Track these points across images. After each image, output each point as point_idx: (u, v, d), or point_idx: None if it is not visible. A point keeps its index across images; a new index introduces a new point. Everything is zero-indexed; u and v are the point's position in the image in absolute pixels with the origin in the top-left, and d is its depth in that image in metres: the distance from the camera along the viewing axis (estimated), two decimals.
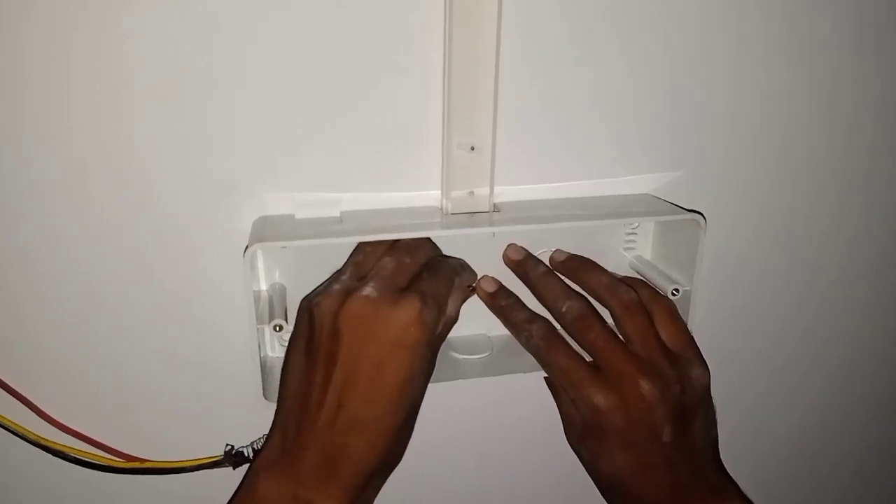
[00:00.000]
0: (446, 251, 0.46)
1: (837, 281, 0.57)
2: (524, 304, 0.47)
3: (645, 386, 0.42)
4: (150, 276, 0.45)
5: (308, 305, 0.40)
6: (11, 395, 0.45)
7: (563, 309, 0.44)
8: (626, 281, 0.46)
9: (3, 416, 0.45)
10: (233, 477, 0.47)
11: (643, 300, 0.45)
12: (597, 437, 0.44)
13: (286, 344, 0.42)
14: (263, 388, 0.43)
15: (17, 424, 0.45)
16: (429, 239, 0.44)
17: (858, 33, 0.49)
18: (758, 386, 0.60)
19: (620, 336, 0.44)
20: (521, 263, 0.47)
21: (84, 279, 0.44)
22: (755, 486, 0.65)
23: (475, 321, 0.49)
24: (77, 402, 0.47)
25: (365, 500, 0.40)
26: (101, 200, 0.42)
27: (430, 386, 0.42)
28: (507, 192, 0.47)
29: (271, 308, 0.43)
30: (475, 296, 0.47)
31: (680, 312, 0.47)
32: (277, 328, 0.42)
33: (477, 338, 0.50)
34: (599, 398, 0.42)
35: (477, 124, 0.43)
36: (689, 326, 0.47)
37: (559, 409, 0.48)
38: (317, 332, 0.39)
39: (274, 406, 0.42)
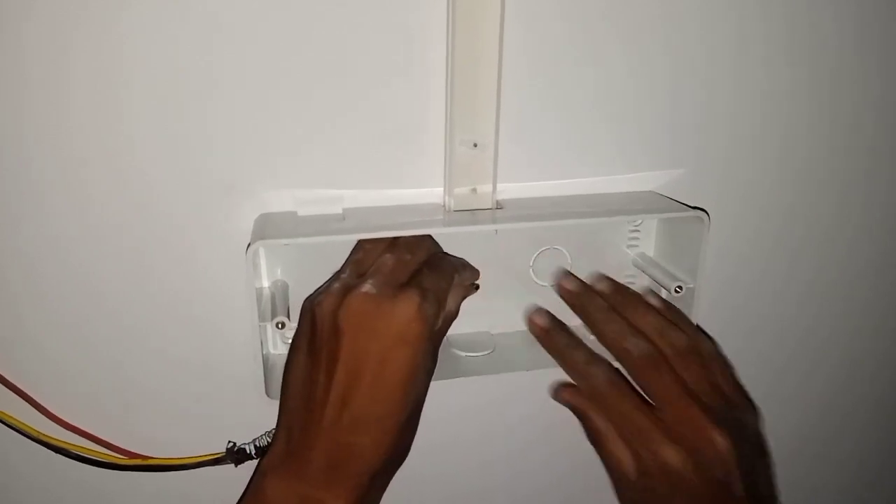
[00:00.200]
0: (449, 248, 0.46)
1: (838, 280, 0.57)
2: (581, 341, 0.45)
3: (719, 440, 0.40)
4: (151, 274, 0.45)
5: (310, 305, 0.41)
6: (14, 392, 0.44)
7: (630, 347, 0.42)
8: (669, 318, 0.44)
9: (5, 413, 0.45)
10: (235, 474, 0.47)
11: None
12: (662, 494, 0.41)
13: (288, 341, 0.42)
14: (266, 386, 0.43)
15: (19, 421, 0.45)
16: (429, 236, 0.44)
17: (858, 33, 0.49)
18: (758, 385, 0.60)
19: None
20: (578, 296, 0.46)
21: (85, 278, 0.44)
22: None
23: (477, 318, 0.49)
24: (79, 400, 0.46)
25: (372, 499, 0.40)
26: (102, 200, 0.42)
27: (431, 384, 0.42)
28: (509, 190, 0.47)
29: (273, 305, 0.43)
30: (476, 293, 0.47)
31: (683, 310, 0.47)
32: (279, 325, 0.42)
33: (479, 335, 0.50)
34: (671, 454, 0.40)
35: (479, 121, 0.43)
36: (694, 324, 0.47)
37: (605, 458, 0.44)
38: (318, 331, 0.39)
39: (276, 403, 0.42)
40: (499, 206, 0.46)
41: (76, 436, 0.46)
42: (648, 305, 0.45)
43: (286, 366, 0.41)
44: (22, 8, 0.38)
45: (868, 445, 0.67)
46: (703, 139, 0.49)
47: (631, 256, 0.50)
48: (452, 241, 0.46)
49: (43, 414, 0.45)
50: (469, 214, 0.45)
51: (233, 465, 0.48)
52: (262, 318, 0.42)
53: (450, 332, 0.45)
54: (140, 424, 0.48)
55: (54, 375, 0.46)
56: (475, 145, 0.43)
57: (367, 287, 0.39)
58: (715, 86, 0.48)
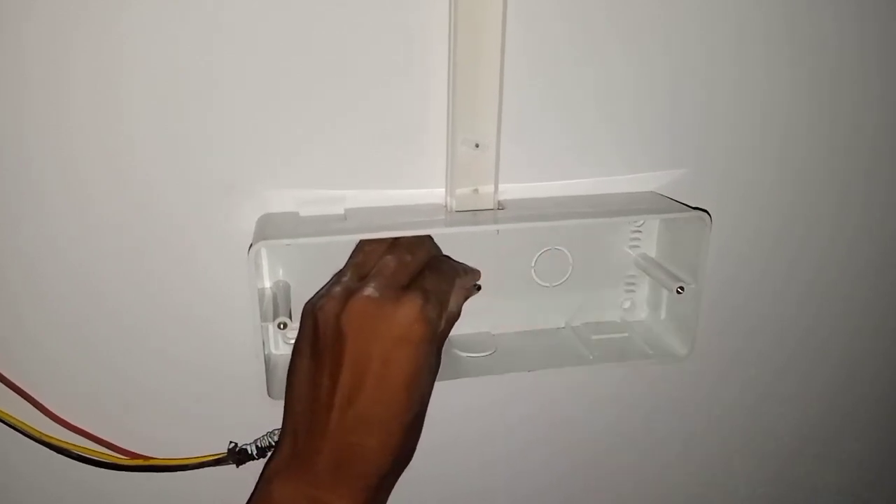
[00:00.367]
0: (450, 249, 0.46)
1: (839, 280, 0.57)
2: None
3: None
4: (152, 274, 0.45)
5: (311, 309, 0.40)
6: (16, 392, 0.44)
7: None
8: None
9: (6, 414, 0.44)
10: (236, 475, 0.47)
11: None
12: None
13: (290, 341, 0.42)
14: (267, 386, 0.43)
15: (20, 422, 0.45)
16: (429, 237, 0.44)
17: (858, 33, 0.49)
18: (758, 385, 0.60)
19: None
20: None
21: (85, 278, 0.44)
22: (756, 485, 0.66)
23: (479, 319, 0.49)
24: (80, 400, 0.46)
25: (380, 500, 0.40)
26: (103, 200, 0.42)
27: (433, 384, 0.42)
28: (511, 190, 0.47)
29: (275, 306, 0.43)
30: (478, 294, 0.47)
31: (686, 311, 0.47)
32: (281, 326, 0.42)
33: (481, 336, 0.50)
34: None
35: (481, 122, 0.43)
36: (697, 325, 0.47)
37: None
38: (321, 334, 0.39)
39: (278, 403, 0.42)
40: (500, 206, 0.46)
41: (77, 436, 0.46)
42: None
43: (289, 370, 0.41)
44: (22, 8, 0.37)
45: (868, 445, 0.67)
46: (704, 139, 0.49)
47: (632, 257, 0.50)
48: (454, 241, 0.46)
49: (44, 414, 0.45)
50: (471, 215, 0.44)
51: (234, 465, 0.48)
52: (263, 319, 0.42)
53: (451, 332, 0.45)
54: (141, 425, 0.48)
55: (55, 375, 0.46)
56: (477, 146, 0.43)
57: (369, 290, 0.39)
58: (715, 86, 0.48)
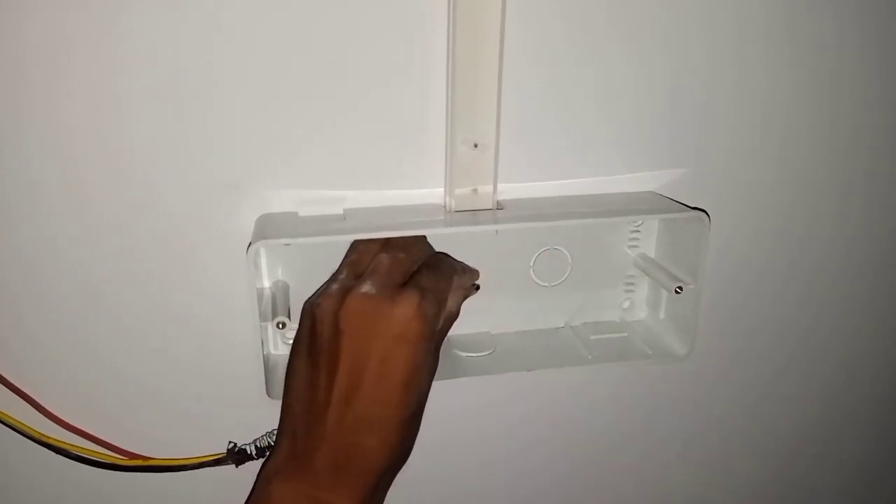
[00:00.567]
0: (449, 249, 0.46)
1: (838, 279, 0.57)
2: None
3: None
4: (152, 274, 0.45)
5: (309, 308, 0.41)
6: (14, 392, 0.44)
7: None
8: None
9: (5, 414, 0.45)
10: (235, 475, 0.47)
11: None
12: None
13: (289, 342, 0.42)
14: (266, 386, 0.43)
15: (19, 422, 0.45)
16: (423, 236, 0.44)
17: (858, 33, 0.49)
18: (758, 385, 0.60)
19: None
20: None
21: (85, 278, 0.44)
22: (756, 485, 0.66)
23: (478, 319, 0.49)
24: (80, 400, 0.46)
25: (378, 499, 0.40)
26: (103, 200, 0.42)
27: (433, 384, 0.42)
28: (510, 190, 0.47)
29: (274, 305, 0.43)
30: (477, 293, 0.47)
31: (686, 311, 0.47)
32: (280, 325, 0.42)
33: (480, 336, 0.50)
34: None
35: (480, 122, 0.43)
36: (696, 325, 0.47)
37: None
38: (318, 333, 0.39)
39: (277, 403, 0.42)
40: (499, 206, 0.46)
41: (76, 436, 0.46)
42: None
43: (287, 370, 0.41)
44: (22, 8, 0.37)
45: (868, 445, 0.67)
46: (704, 139, 0.49)
47: (632, 257, 0.50)
48: (453, 241, 0.46)
49: (43, 414, 0.45)
50: (470, 215, 0.44)
51: (233, 465, 0.48)
52: (262, 319, 0.42)
53: (450, 332, 0.45)
54: (140, 425, 0.48)
55: (55, 376, 0.46)
56: (476, 146, 0.43)
57: (366, 287, 0.39)
58: (715, 86, 0.48)
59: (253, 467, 0.45)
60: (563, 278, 0.50)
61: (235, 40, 0.40)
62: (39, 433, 0.45)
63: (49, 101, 0.39)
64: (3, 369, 0.44)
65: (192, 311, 0.46)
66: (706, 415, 0.60)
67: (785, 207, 0.53)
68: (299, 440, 0.40)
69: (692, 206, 0.47)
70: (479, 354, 0.48)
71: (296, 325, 0.42)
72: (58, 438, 0.46)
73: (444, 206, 0.46)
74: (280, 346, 0.47)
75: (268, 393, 0.43)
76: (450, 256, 0.46)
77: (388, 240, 0.42)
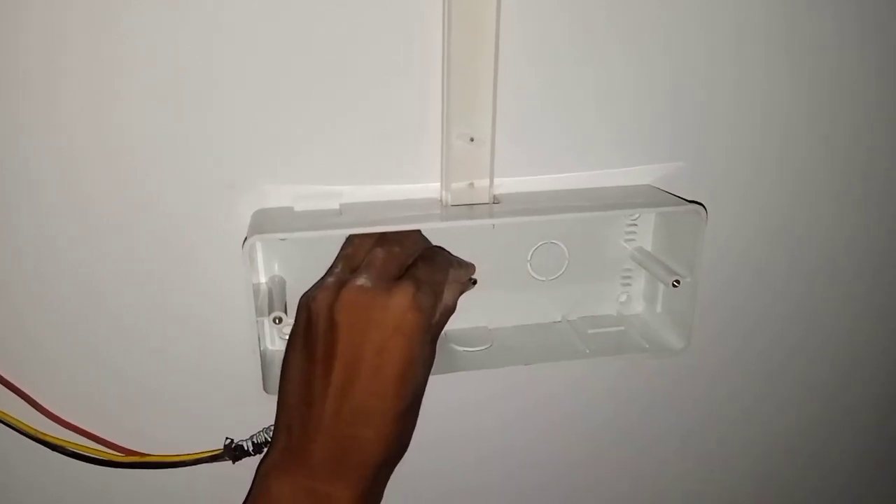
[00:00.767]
0: (446, 243, 0.46)
1: (837, 275, 0.57)
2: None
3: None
4: (148, 271, 0.44)
5: (305, 302, 0.41)
6: (10, 389, 0.44)
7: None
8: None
9: (3, 412, 0.44)
10: (233, 471, 0.47)
11: None
12: None
13: (286, 337, 0.42)
14: (264, 382, 0.43)
15: (15, 419, 0.45)
16: (418, 230, 0.44)
17: (858, 30, 0.49)
18: (756, 383, 0.60)
19: None
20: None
21: (82, 276, 0.44)
22: (752, 481, 0.66)
23: (475, 314, 0.49)
24: (77, 398, 0.46)
25: (376, 491, 0.40)
26: (101, 199, 0.42)
27: (430, 378, 0.42)
28: (506, 184, 0.47)
29: (271, 300, 0.43)
30: (474, 288, 0.47)
31: (683, 304, 0.47)
32: (277, 321, 0.42)
33: (477, 330, 0.50)
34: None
35: (476, 115, 0.43)
36: (693, 319, 0.47)
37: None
38: (314, 326, 0.39)
39: (274, 399, 0.42)
40: (496, 200, 0.46)
41: (74, 433, 0.46)
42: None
43: (283, 364, 0.41)
44: (21, 8, 0.37)
45: (866, 443, 0.67)
46: (701, 133, 0.49)
47: (629, 250, 0.50)
48: (449, 235, 0.46)
49: (40, 412, 0.45)
50: (466, 209, 0.44)
51: (230, 461, 0.48)
52: (259, 314, 0.42)
53: (447, 326, 0.45)
54: (137, 421, 0.48)
55: (52, 373, 0.46)
56: (472, 140, 0.43)
57: (361, 280, 0.39)
58: (713, 79, 0.48)
59: (250, 463, 0.45)
60: (560, 272, 0.50)
61: (234, 40, 0.40)
62: (36, 430, 0.45)
63: (48, 100, 0.39)
64: (2, 368, 0.44)
65: (189, 307, 0.46)
66: (703, 410, 0.60)
67: (782, 202, 0.53)
68: (295, 433, 0.40)
69: (689, 199, 0.47)
70: (476, 349, 0.48)
71: (292, 321, 0.42)
72: (55, 436, 0.46)
73: (441, 201, 0.46)
74: (277, 341, 0.47)
75: (265, 388, 0.43)
76: (445, 250, 0.46)
77: (383, 234, 0.42)
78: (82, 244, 0.43)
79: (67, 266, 0.43)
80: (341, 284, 0.39)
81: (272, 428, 0.42)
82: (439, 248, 0.45)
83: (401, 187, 0.46)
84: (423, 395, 0.42)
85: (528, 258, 0.49)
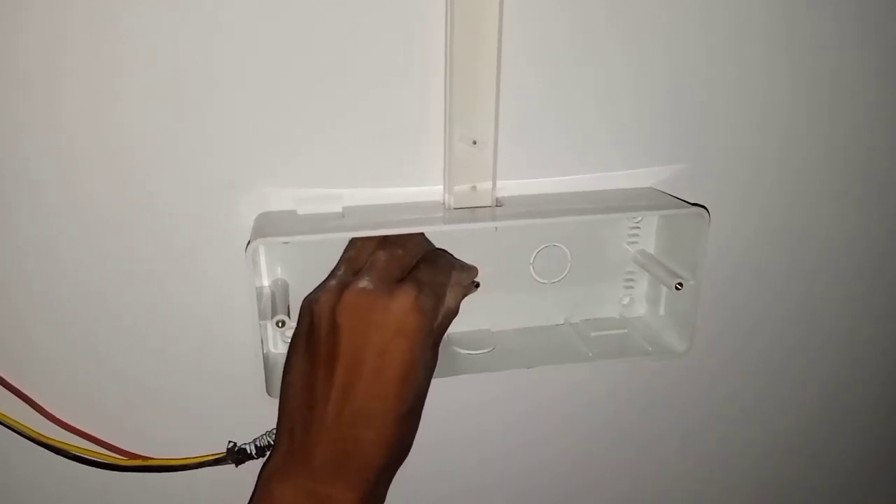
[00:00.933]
0: (449, 246, 0.46)
1: (838, 276, 0.57)
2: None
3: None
4: (151, 274, 0.44)
5: (307, 305, 0.41)
6: (13, 392, 0.44)
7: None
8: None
9: (4, 414, 0.44)
10: (235, 474, 0.47)
11: None
12: None
13: (288, 340, 0.42)
14: (266, 385, 0.43)
15: (18, 422, 0.45)
16: (421, 233, 0.44)
17: (858, 31, 0.49)
18: (757, 382, 0.60)
19: None
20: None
21: (84, 278, 0.44)
22: (753, 482, 0.66)
23: (478, 317, 0.49)
24: (79, 401, 0.46)
25: (378, 494, 0.40)
26: (102, 200, 0.42)
27: (432, 381, 0.42)
28: (509, 187, 0.47)
29: (273, 304, 0.43)
30: (476, 291, 0.47)
31: (685, 306, 0.47)
32: (280, 324, 0.41)
33: (480, 333, 0.50)
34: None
35: (479, 118, 0.43)
36: (696, 321, 0.47)
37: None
38: (316, 329, 0.39)
39: (277, 402, 0.42)
40: (498, 203, 0.45)
41: (76, 436, 0.46)
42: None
43: (285, 366, 0.41)
44: (21, 7, 0.37)
45: (867, 444, 0.67)
46: (703, 135, 0.49)
47: (631, 253, 0.50)
48: (452, 238, 0.46)
49: (42, 415, 0.45)
50: (469, 212, 0.44)
51: (233, 465, 0.48)
52: (262, 317, 0.42)
53: (450, 329, 0.45)
54: (140, 424, 0.48)
55: (54, 376, 0.46)
56: (474, 143, 0.43)
57: (363, 283, 0.39)
58: (714, 81, 0.48)
59: (253, 467, 0.45)
60: (563, 275, 0.50)
61: (235, 40, 0.40)
62: (38, 433, 0.45)
63: (48, 100, 0.39)
64: (2, 369, 0.44)
65: (192, 310, 0.46)
66: (704, 410, 0.60)
67: (784, 203, 0.53)
68: (297, 436, 0.40)
69: (692, 202, 0.47)
70: (478, 352, 0.48)
71: (295, 324, 0.42)
72: (57, 439, 0.46)
73: (443, 204, 0.46)
74: (279, 344, 0.47)
75: (268, 392, 0.43)
76: (448, 252, 0.46)
77: (386, 236, 0.42)
78: (81, 243, 0.43)
79: (66, 265, 0.43)
80: (343, 287, 0.39)
81: (275, 431, 0.42)
82: (442, 250, 0.45)
83: (403, 190, 0.46)
84: (425, 397, 0.42)
85: (531, 261, 0.49)
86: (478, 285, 0.47)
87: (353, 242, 0.43)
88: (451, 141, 0.43)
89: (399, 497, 0.42)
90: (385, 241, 0.42)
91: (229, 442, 0.48)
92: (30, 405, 0.45)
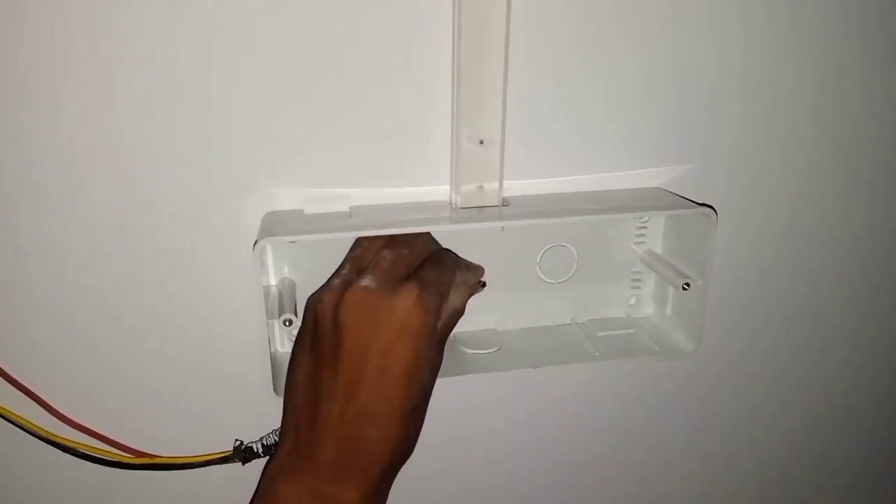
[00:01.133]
0: (455, 246, 0.46)
1: (845, 276, 0.57)
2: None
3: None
4: (158, 273, 0.45)
5: (311, 304, 0.41)
6: (22, 391, 0.44)
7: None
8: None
9: (12, 413, 0.45)
10: (242, 473, 0.47)
11: None
12: None
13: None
14: (273, 384, 0.43)
15: (26, 420, 0.45)
16: (427, 232, 0.44)
17: (864, 30, 0.49)
18: (763, 382, 0.60)
19: None
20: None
21: (91, 278, 0.44)
22: (759, 482, 0.65)
23: (484, 316, 0.49)
24: (87, 399, 0.46)
25: (381, 493, 0.40)
26: (112, 201, 0.42)
27: (438, 381, 0.42)
28: (516, 187, 0.47)
29: (281, 303, 0.43)
30: (483, 290, 0.47)
31: (693, 307, 0.47)
32: (287, 323, 0.42)
33: (486, 333, 0.50)
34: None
35: (486, 118, 0.43)
36: (703, 321, 0.47)
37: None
38: (320, 327, 0.40)
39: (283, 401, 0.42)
40: (505, 202, 0.45)
41: (83, 435, 0.46)
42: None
43: (290, 365, 0.41)
44: (21, 7, 0.37)
45: (872, 444, 0.67)
46: (711, 135, 0.49)
47: (638, 253, 0.50)
48: (459, 238, 0.46)
49: (50, 413, 0.45)
50: (475, 211, 0.44)
51: (240, 463, 0.48)
52: (269, 316, 0.42)
53: (456, 329, 0.45)
54: (147, 423, 0.48)
55: (62, 375, 0.46)
56: (481, 142, 0.43)
57: (366, 281, 0.39)
58: (722, 81, 0.48)
59: (259, 465, 0.45)
60: (570, 275, 0.50)
61: (242, 40, 0.40)
62: (46, 431, 0.45)
63: (49, 101, 0.39)
64: (11, 368, 0.44)
65: (200, 309, 0.46)
66: (710, 410, 0.60)
67: (791, 204, 0.53)
68: (302, 435, 0.40)
69: (699, 202, 0.47)
70: (485, 351, 0.48)
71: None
72: (65, 437, 0.46)
73: (450, 203, 0.46)
74: (286, 343, 0.47)
75: (275, 390, 0.43)
76: (453, 252, 0.46)
77: (392, 236, 0.42)
78: (85, 243, 0.43)
79: (75, 266, 0.43)
80: (347, 285, 0.39)
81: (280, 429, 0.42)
82: (447, 250, 0.45)
83: (410, 190, 0.46)
84: (429, 396, 0.42)
85: (538, 261, 0.49)
86: (484, 285, 0.47)
87: (359, 241, 0.43)
88: (459, 140, 0.43)
89: (406, 497, 0.43)
90: (391, 241, 0.42)
91: (236, 440, 0.48)
92: (38, 403, 0.45)
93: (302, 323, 0.42)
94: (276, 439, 0.47)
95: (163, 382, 0.47)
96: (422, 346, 0.39)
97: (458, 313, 0.44)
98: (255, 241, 0.40)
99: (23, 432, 0.45)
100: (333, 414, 0.39)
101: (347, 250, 0.43)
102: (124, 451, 0.47)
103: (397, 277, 0.40)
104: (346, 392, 0.38)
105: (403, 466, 0.41)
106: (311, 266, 0.45)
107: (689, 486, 0.63)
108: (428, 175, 0.45)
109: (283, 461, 0.40)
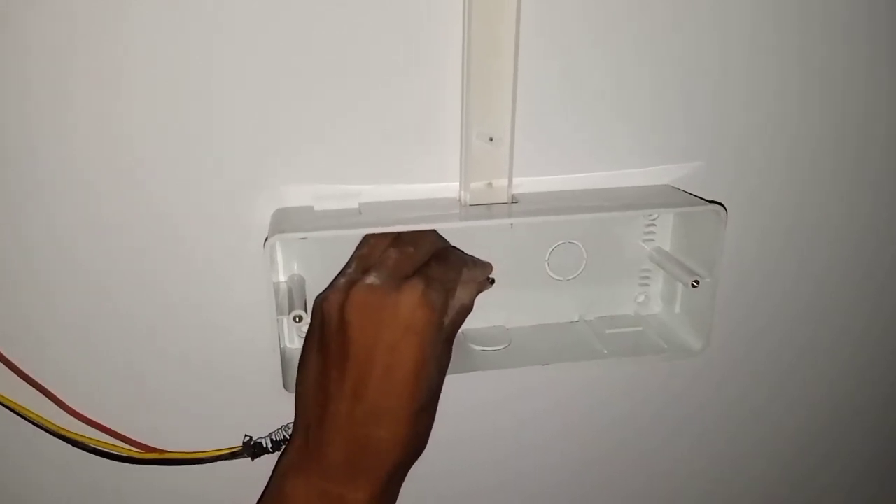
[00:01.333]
0: (464, 243, 0.46)
1: (853, 274, 0.57)
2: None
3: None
4: (169, 269, 0.45)
5: (318, 303, 0.41)
6: (33, 386, 0.45)
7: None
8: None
9: (23, 407, 0.45)
10: (251, 468, 0.47)
11: None
12: None
13: (304, 336, 0.42)
14: (283, 380, 0.43)
15: (37, 415, 0.45)
16: (434, 230, 0.44)
17: (871, 28, 0.49)
18: (769, 382, 0.60)
19: None
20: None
21: (102, 275, 0.44)
22: (765, 481, 0.65)
23: (493, 313, 0.50)
24: (97, 395, 0.47)
25: (391, 492, 0.40)
26: (123, 198, 0.42)
27: (447, 378, 0.42)
28: (525, 184, 0.47)
29: (290, 299, 0.43)
30: (491, 287, 0.47)
31: (702, 304, 0.47)
32: (297, 319, 0.42)
33: (495, 330, 0.50)
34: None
35: (496, 115, 0.43)
36: (712, 319, 0.47)
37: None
38: (326, 327, 0.40)
39: (293, 397, 0.42)
40: (514, 200, 0.46)
41: (94, 430, 0.47)
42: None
43: (299, 365, 0.42)
44: (26, 7, 0.37)
45: (877, 443, 0.67)
46: (719, 132, 0.49)
47: (647, 251, 0.50)
48: (468, 235, 0.46)
49: (61, 408, 0.46)
50: (485, 209, 0.44)
51: (249, 459, 0.48)
52: (279, 312, 0.42)
53: (465, 326, 0.45)
54: (157, 419, 0.48)
55: (73, 372, 0.46)
56: (491, 139, 0.43)
57: (371, 279, 0.39)
58: (730, 78, 0.48)
59: (269, 460, 0.45)
60: (578, 272, 0.50)
61: (251, 37, 0.40)
62: (56, 426, 0.46)
63: (51, 101, 0.39)
64: (23, 365, 0.44)
65: (210, 306, 0.46)
66: (716, 410, 0.60)
67: (797, 203, 0.53)
68: (312, 434, 0.40)
69: (708, 199, 0.47)
70: (493, 348, 0.48)
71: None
72: (75, 432, 0.46)
73: (460, 200, 0.46)
74: (296, 340, 0.47)
75: (284, 386, 0.43)
76: (459, 249, 0.46)
77: (399, 234, 0.42)
78: (96, 242, 0.43)
79: (86, 264, 0.44)
80: (352, 284, 0.39)
81: (291, 425, 0.42)
82: (454, 248, 0.45)
83: (420, 187, 0.46)
84: (438, 394, 0.41)
85: (546, 258, 0.49)
86: (493, 281, 0.47)
87: (366, 240, 0.43)
88: (468, 138, 0.43)
89: (414, 495, 0.43)
90: (398, 239, 0.42)
91: (245, 436, 0.48)
92: (49, 398, 0.45)
93: (310, 324, 0.42)
94: (286, 435, 0.47)
95: (173, 378, 0.48)
96: (428, 343, 0.39)
97: (466, 310, 0.44)
98: (266, 238, 0.40)
99: (35, 428, 0.45)
100: (341, 413, 0.39)
101: (356, 247, 0.43)
102: (135, 447, 0.48)
103: (402, 275, 0.40)
104: (354, 391, 0.38)
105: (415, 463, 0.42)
106: (321, 263, 0.45)
107: (695, 485, 0.63)
108: (437, 172, 0.46)
109: (293, 459, 0.40)
